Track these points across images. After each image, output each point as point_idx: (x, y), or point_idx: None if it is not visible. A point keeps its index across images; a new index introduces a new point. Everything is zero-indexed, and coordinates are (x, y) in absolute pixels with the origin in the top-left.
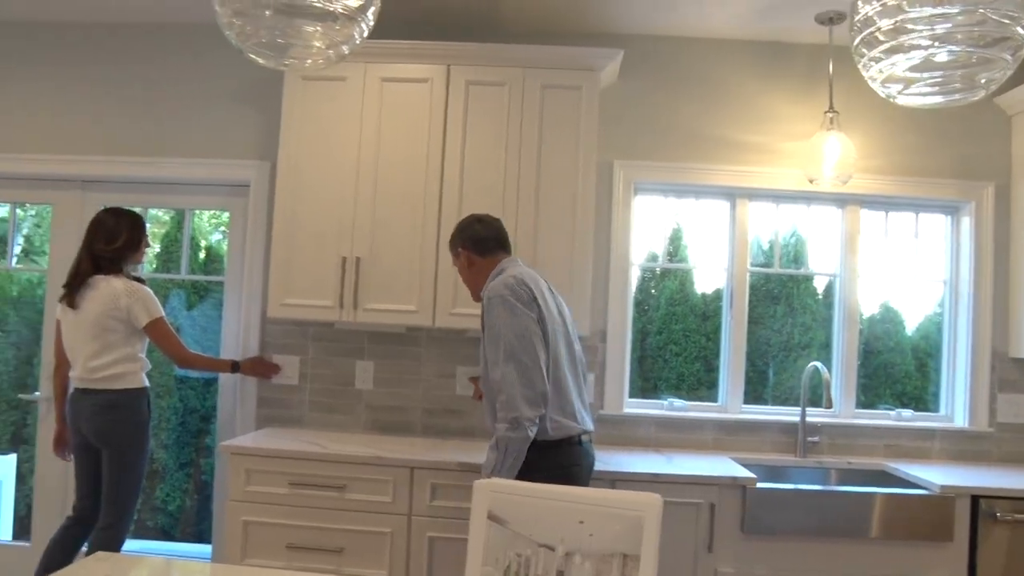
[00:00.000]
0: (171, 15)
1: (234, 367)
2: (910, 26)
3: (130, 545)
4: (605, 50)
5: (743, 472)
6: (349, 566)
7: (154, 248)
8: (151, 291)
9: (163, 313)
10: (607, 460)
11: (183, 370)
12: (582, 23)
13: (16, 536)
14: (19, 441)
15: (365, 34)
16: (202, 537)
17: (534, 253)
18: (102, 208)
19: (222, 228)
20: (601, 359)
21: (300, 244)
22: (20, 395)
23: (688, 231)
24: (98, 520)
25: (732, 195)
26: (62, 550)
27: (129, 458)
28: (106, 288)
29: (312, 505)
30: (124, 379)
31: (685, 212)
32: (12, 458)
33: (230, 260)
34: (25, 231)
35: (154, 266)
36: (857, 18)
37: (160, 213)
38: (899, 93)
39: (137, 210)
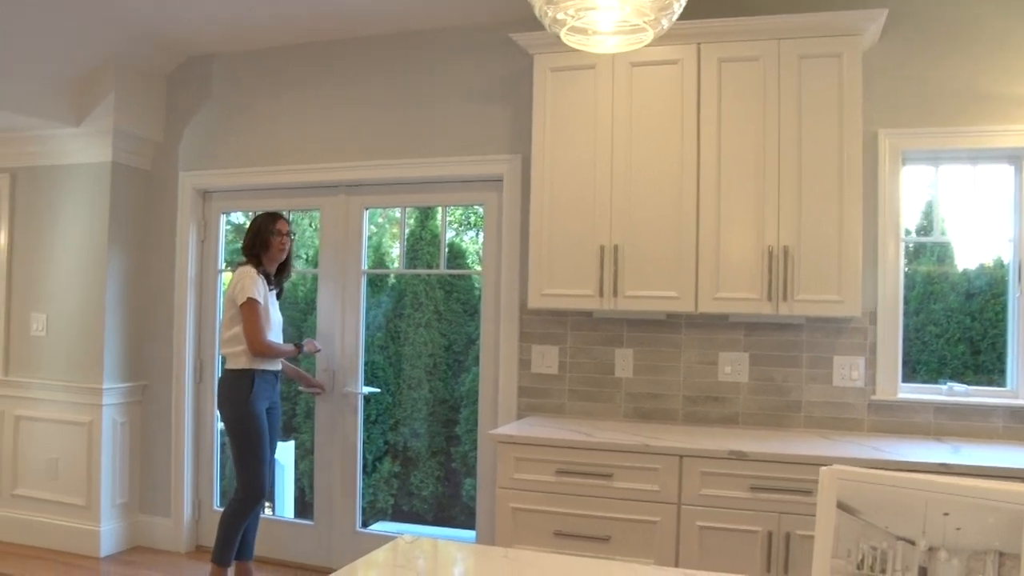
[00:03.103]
0: (418, 23)
1: (297, 348)
2: None
3: (386, 527)
4: (868, 11)
5: None
6: (616, 554)
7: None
8: (257, 276)
9: (256, 297)
10: (883, 448)
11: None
12: None
13: (297, 515)
14: (290, 429)
15: (683, 5)
16: (453, 521)
17: (799, 232)
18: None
19: (455, 225)
20: (871, 341)
21: (557, 234)
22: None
23: (945, 202)
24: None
25: (1018, 157)
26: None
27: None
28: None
29: (579, 493)
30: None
31: (945, 182)
32: (291, 444)
33: (485, 253)
34: None
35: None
36: None
37: (396, 212)
38: None
39: (395, 210)
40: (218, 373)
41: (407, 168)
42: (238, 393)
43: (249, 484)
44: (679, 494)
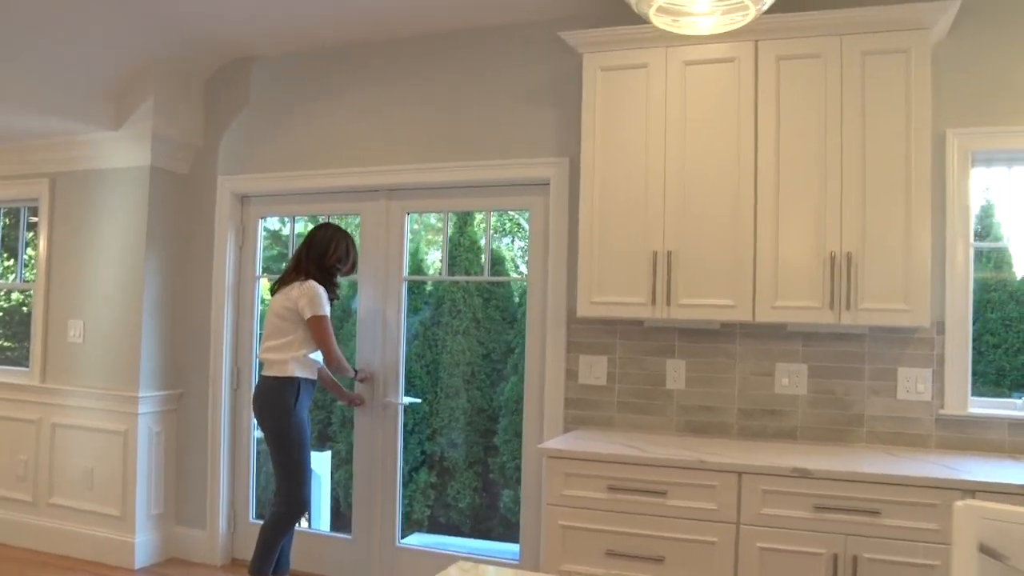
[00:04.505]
0: (462, 22)
1: (355, 372)
2: None
3: (423, 540)
4: (938, 3)
5: None
6: None
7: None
8: (324, 292)
9: (327, 313)
10: (956, 467)
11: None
12: None
13: (332, 526)
14: (325, 439)
15: None
16: (490, 533)
17: (863, 238)
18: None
19: (492, 231)
20: (939, 353)
21: (608, 240)
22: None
23: (1002, 206)
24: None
25: None
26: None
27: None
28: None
29: (632, 511)
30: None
31: (1000, 184)
32: (327, 455)
33: (531, 258)
34: None
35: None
36: None
37: (432, 218)
38: None
39: (431, 216)
40: (254, 381)
41: (450, 172)
42: (285, 401)
43: (293, 495)
44: (738, 513)
